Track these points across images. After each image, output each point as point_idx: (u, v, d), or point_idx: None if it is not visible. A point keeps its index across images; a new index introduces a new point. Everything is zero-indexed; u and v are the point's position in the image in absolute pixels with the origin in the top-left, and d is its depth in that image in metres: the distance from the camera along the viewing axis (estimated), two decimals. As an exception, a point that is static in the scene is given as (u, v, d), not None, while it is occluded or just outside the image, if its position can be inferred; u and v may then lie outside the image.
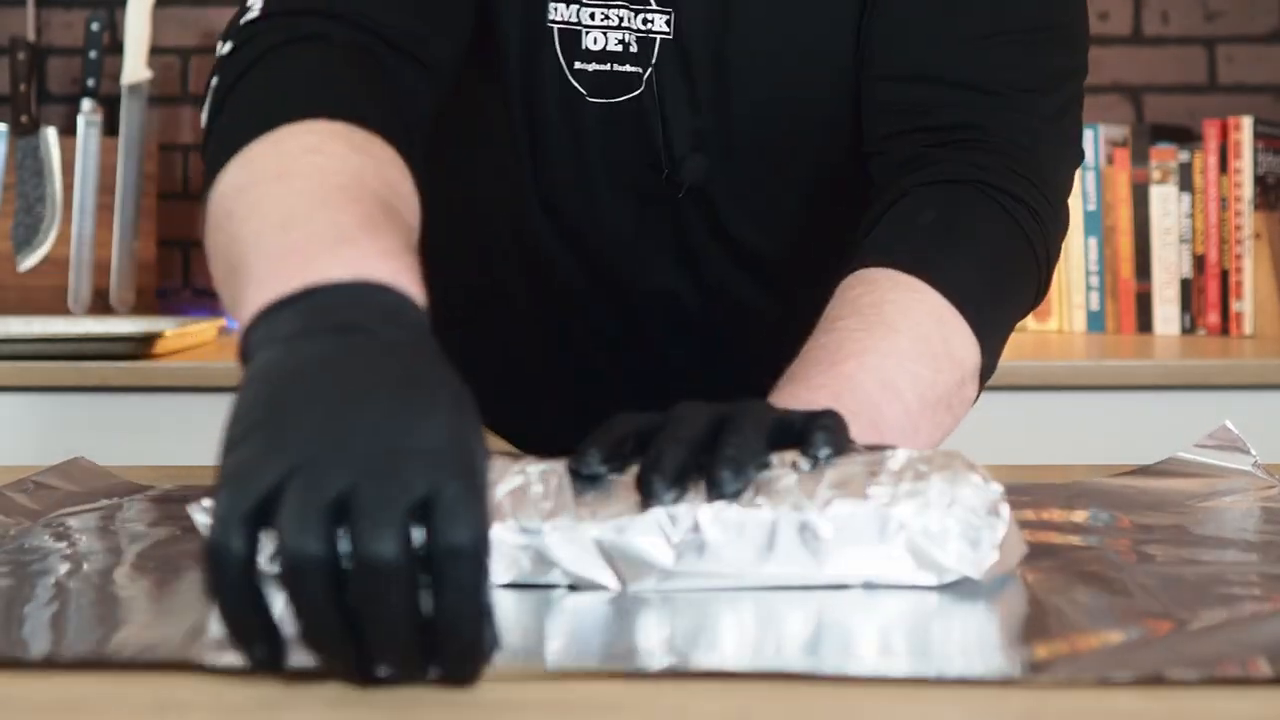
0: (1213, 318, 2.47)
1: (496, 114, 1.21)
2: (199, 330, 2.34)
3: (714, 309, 1.25)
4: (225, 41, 1.03)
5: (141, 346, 2.15)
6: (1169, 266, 2.50)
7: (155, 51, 2.63)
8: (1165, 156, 2.50)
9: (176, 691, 0.67)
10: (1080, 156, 1.19)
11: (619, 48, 1.17)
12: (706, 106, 1.18)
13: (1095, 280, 2.54)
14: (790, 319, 1.08)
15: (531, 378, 1.31)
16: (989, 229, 1.09)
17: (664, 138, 1.18)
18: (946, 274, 1.03)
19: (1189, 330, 2.49)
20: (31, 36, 2.67)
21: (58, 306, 2.59)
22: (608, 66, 1.17)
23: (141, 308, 2.61)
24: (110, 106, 2.62)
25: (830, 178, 1.21)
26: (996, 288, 1.07)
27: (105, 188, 2.61)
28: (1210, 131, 2.48)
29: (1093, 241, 2.54)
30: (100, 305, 2.59)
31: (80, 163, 2.60)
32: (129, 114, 2.60)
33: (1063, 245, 1.15)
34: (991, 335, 1.05)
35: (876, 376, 0.97)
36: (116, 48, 2.65)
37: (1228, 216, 2.47)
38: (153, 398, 2.13)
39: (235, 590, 0.65)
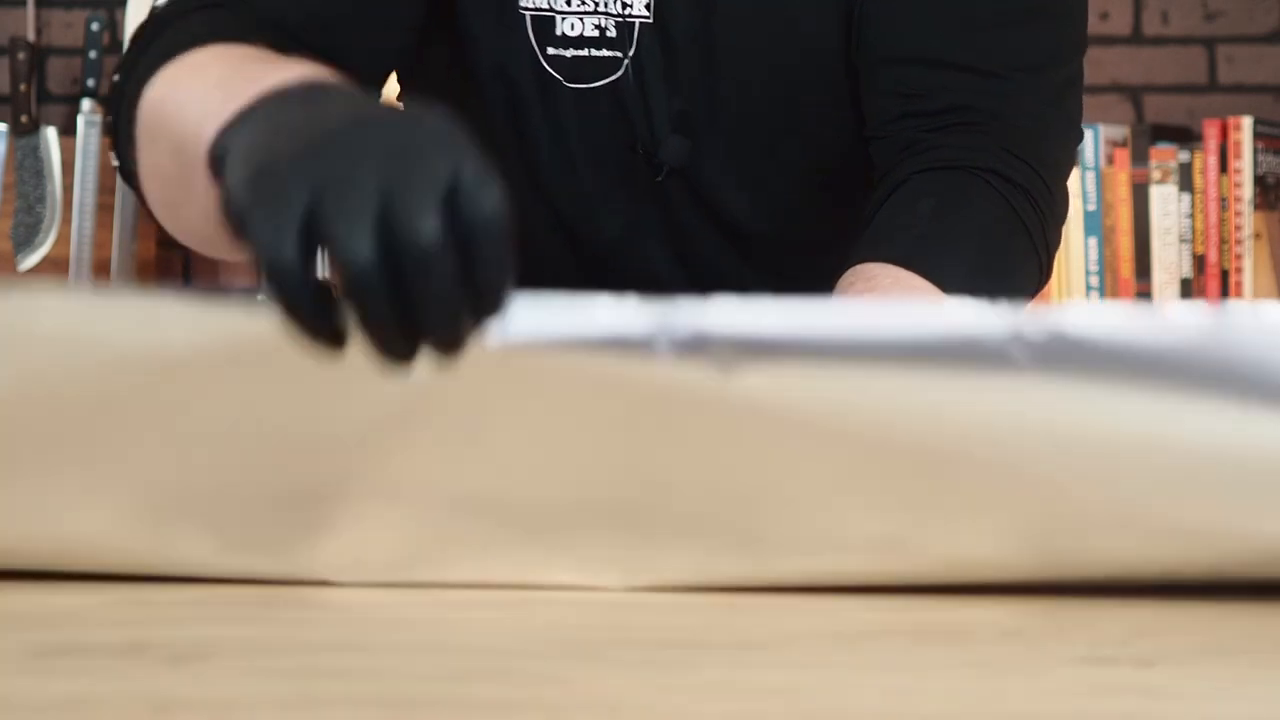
0: (1213, 318, 2.47)
1: (474, 104, 1.21)
2: (199, 330, 2.34)
3: (707, 291, 1.25)
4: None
5: (141, 346, 2.15)
6: (1169, 266, 2.50)
7: (155, 51, 2.63)
8: (1165, 156, 2.50)
9: (177, 691, 0.67)
10: (1080, 136, 1.20)
11: (595, 33, 1.17)
12: (689, 88, 1.18)
13: (1095, 280, 2.54)
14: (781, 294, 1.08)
15: None
16: (985, 217, 1.10)
17: (646, 121, 1.18)
18: (941, 270, 1.04)
19: (1189, 330, 2.49)
20: (31, 36, 2.67)
21: (58, 306, 2.59)
22: (585, 52, 1.18)
23: (141, 308, 2.61)
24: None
25: (819, 156, 1.22)
26: (993, 280, 1.08)
27: (105, 188, 2.61)
28: (1210, 131, 2.48)
29: (1093, 241, 2.54)
30: (100, 305, 2.59)
31: (80, 163, 2.60)
32: (129, 114, 2.60)
33: (1063, 231, 1.16)
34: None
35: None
36: (116, 48, 2.65)
37: (1228, 216, 2.47)
38: (153, 398, 2.13)
39: (307, 302, 0.69)
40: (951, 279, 1.04)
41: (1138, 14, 2.71)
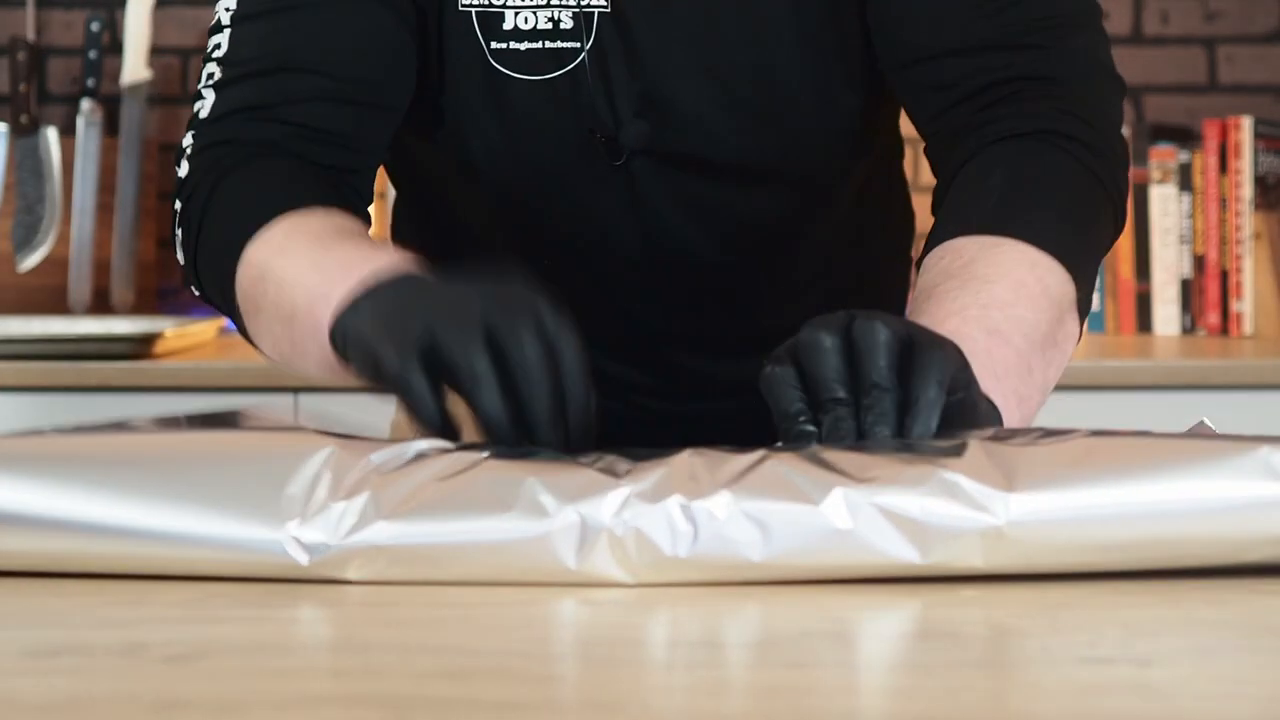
0: (1213, 318, 2.47)
1: (422, 109, 1.24)
2: (199, 330, 2.34)
3: (681, 275, 1.25)
4: (182, 157, 1.16)
5: (141, 346, 2.15)
6: (1169, 266, 2.50)
7: (155, 51, 2.63)
8: (1165, 156, 2.50)
9: (176, 691, 0.67)
10: (1123, 86, 1.21)
11: (549, 25, 1.18)
12: (651, 72, 1.19)
13: (1095, 280, 2.54)
14: (759, 278, 1.09)
15: None
16: (1055, 174, 1.12)
17: (607, 107, 1.19)
18: (1027, 226, 1.06)
19: (1189, 330, 2.49)
20: (31, 36, 2.67)
21: (58, 306, 2.59)
22: (539, 44, 1.19)
23: (141, 308, 2.61)
24: (110, 106, 2.62)
25: (788, 136, 1.22)
26: (1077, 226, 1.10)
27: (105, 188, 2.61)
28: (1210, 131, 2.48)
29: (1093, 241, 2.54)
30: (100, 305, 2.59)
31: (80, 163, 2.60)
32: (129, 114, 2.60)
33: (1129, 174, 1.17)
34: (1081, 270, 1.08)
35: (982, 326, 0.99)
36: (116, 48, 2.65)
37: (1228, 216, 2.47)
38: (153, 398, 2.13)
39: (429, 409, 0.87)
40: (1035, 234, 1.05)
41: (1138, 14, 2.71)
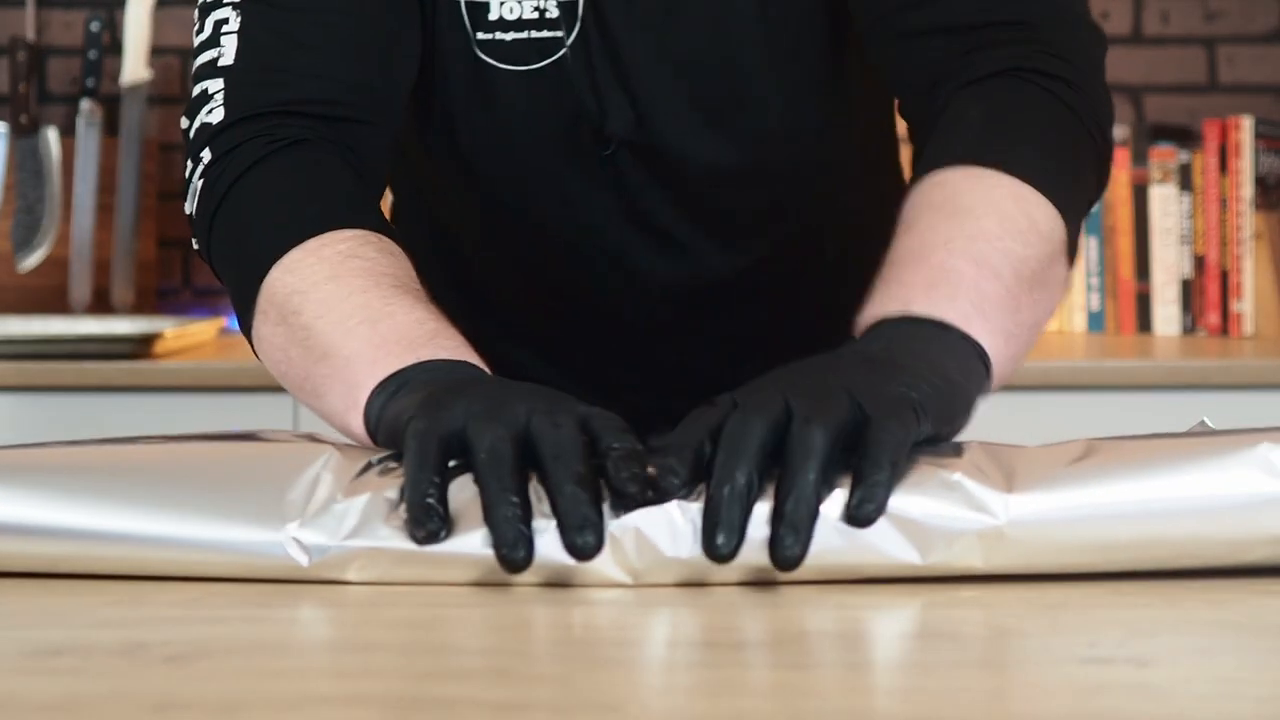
0: (1213, 318, 2.47)
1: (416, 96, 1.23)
2: (199, 330, 2.34)
3: (672, 267, 1.25)
4: (199, 149, 1.12)
5: (141, 346, 2.15)
6: (1169, 266, 2.50)
7: (155, 51, 2.63)
8: (1165, 156, 2.50)
9: (176, 691, 0.67)
10: (1102, 38, 1.16)
11: (535, 15, 1.18)
12: (637, 60, 1.19)
13: (1095, 280, 2.54)
14: (749, 271, 1.08)
15: (511, 342, 1.33)
16: (1035, 108, 1.07)
17: (593, 96, 1.19)
18: (1011, 157, 1.02)
19: (1189, 330, 2.49)
20: (31, 36, 2.67)
21: (58, 306, 2.59)
22: (525, 34, 1.18)
23: (141, 308, 2.61)
24: (110, 106, 2.62)
25: (775, 120, 1.22)
26: (1061, 162, 1.06)
27: (105, 188, 2.60)
28: (1210, 131, 2.48)
29: (1093, 241, 2.54)
30: (100, 305, 2.59)
31: (80, 163, 2.60)
32: (129, 114, 2.60)
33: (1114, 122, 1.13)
34: (1068, 208, 1.03)
35: (969, 258, 0.96)
36: (116, 48, 2.65)
37: (1228, 217, 2.47)
38: (153, 398, 2.13)
39: (424, 482, 0.82)
40: (1020, 166, 1.01)
41: (1138, 14, 2.71)
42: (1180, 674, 0.69)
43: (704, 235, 1.24)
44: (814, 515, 0.80)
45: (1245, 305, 2.45)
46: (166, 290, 2.68)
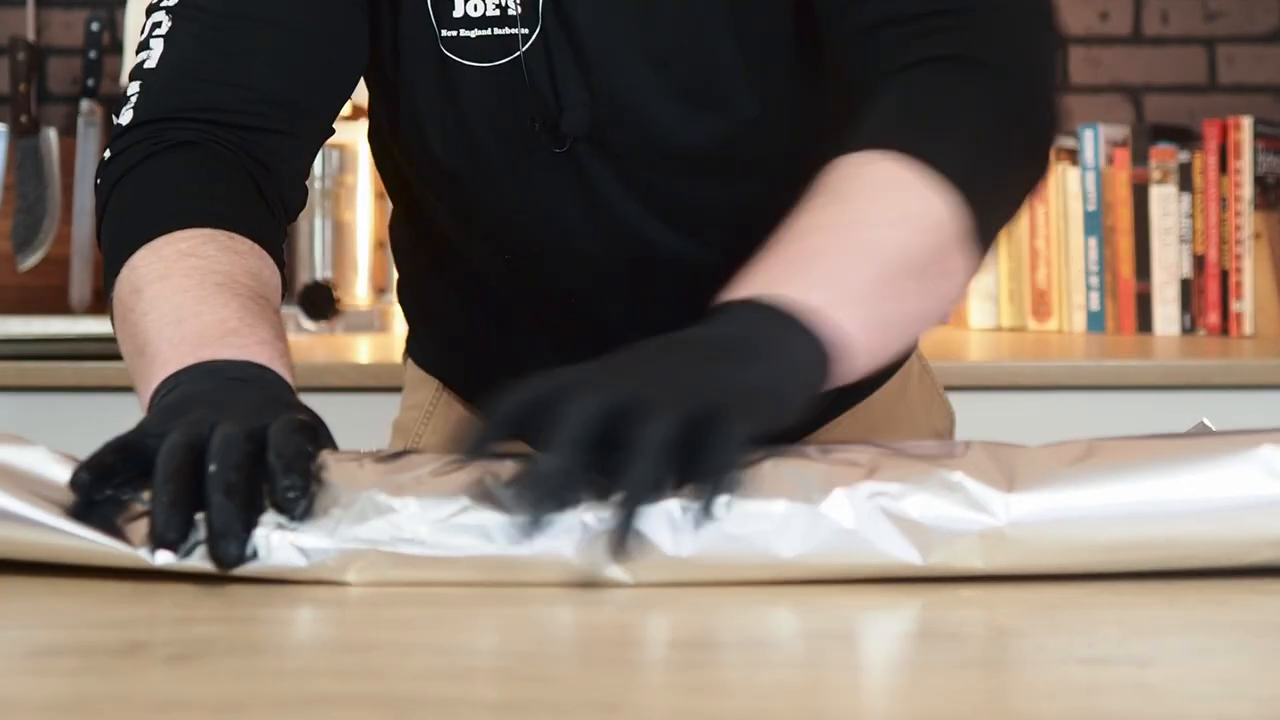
0: (1213, 318, 2.47)
1: (371, 80, 1.25)
2: (199, 330, 2.34)
3: (633, 258, 1.25)
4: (104, 149, 1.16)
5: (141, 346, 2.15)
6: (1169, 266, 2.50)
7: (155, 51, 2.63)
8: (1165, 156, 2.50)
9: (176, 691, 0.67)
10: (1056, 36, 1.13)
11: (497, 12, 1.19)
12: (596, 57, 1.19)
13: (1095, 280, 2.54)
14: (717, 266, 1.07)
15: (474, 330, 1.33)
16: (956, 96, 1.05)
17: (552, 93, 1.19)
18: (915, 144, 0.99)
19: (1189, 330, 2.49)
20: (31, 36, 2.67)
21: (58, 306, 2.59)
22: (488, 31, 1.19)
23: (141, 308, 2.61)
24: (110, 106, 2.62)
25: (735, 119, 1.22)
26: (973, 150, 1.03)
27: (105, 188, 2.61)
28: (1210, 131, 2.48)
29: (1093, 241, 2.54)
30: (100, 305, 2.59)
31: (80, 163, 2.60)
32: (129, 114, 2.60)
33: (1058, 134, 1.10)
34: (975, 197, 0.99)
35: (843, 243, 0.94)
36: (116, 48, 2.65)
37: (1228, 216, 2.47)
38: (153, 398, 2.13)
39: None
40: (920, 150, 0.99)
41: (1138, 14, 2.71)
42: (1180, 674, 0.69)
43: (666, 227, 1.24)
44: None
45: (1245, 305, 2.45)
46: (166, 290, 2.68)
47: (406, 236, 1.38)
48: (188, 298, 1.03)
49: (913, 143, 1.00)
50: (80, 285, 2.57)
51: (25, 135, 2.62)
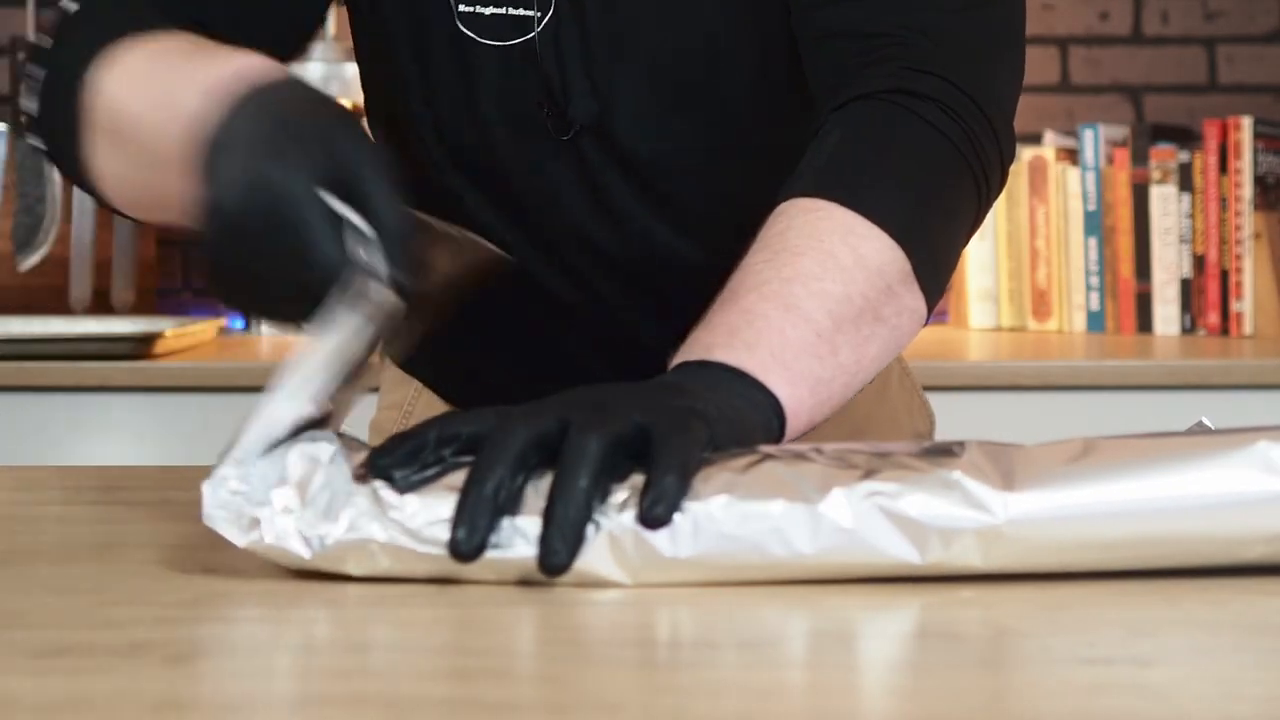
0: (1213, 318, 2.47)
1: (385, 59, 1.24)
2: (199, 330, 2.34)
3: (632, 249, 1.25)
4: (45, 37, 1.08)
5: (141, 346, 2.15)
6: (1169, 266, 2.50)
7: (155, 51, 2.63)
8: (1165, 156, 2.50)
9: (177, 691, 0.67)
10: (1019, 69, 1.13)
11: None
12: (604, 44, 1.19)
13: (1095, 280, 2.54)
14: (713, 260, 1.08)
15: (473, 323, 1.33)
16: (895, 136, 1.05)
17: (559, 78, 1.19)
18: (849, 191, 0.99)
19: (1189, 330, 2.49)
20: (31, 36, 2.67)
21: (58, 306, 2.59)
22: (503, 10, 1.19)
23: (141, 308, 2.61)
24: (110, 106, 2.62)
25: (738, 113, 1.22)
26: (914, 192, 1.02)
27: (105, 188, 2.60)
28: (1210, 131, 2.48)
29: (1093, 241, 2.54)
30: (100, 305, 2.59)
31: (80, 163, 2.60)
32: (129, 114, 2.60)
33: (1009, 163, 1.09)
34: (916, 239, 0.99)
35: (777, 303, 0.94)
36: (116, 48, 2.65)
37: (1228, 216, 2.47)
38: (153, 398, 2.13)
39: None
40: (857, 197, 0.99)
41: (1138, 14, 2.71)
42: (1180, 674, 0.69)
43: (662, 220, 1.24)
44: (584, 520, 0.79)
45: (1245, 305, 2.45)
46: (166, 290, 2.68)
47: None
48: (171, 69, 0.96)
49: (851, 190, 1.00)
50: (80, 285, 2.57)
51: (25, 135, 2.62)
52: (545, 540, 0.79)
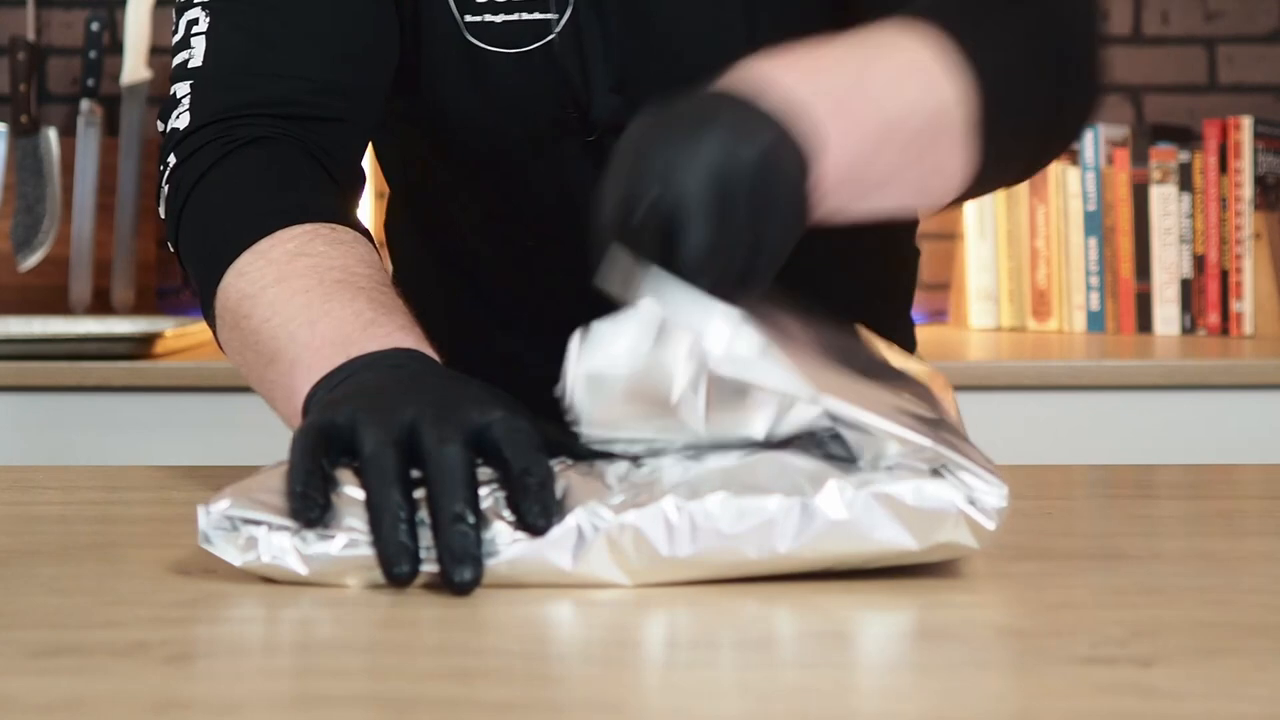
0: (1213, 318, 2.47)
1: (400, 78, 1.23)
2: (199, 330, 2.34)
3: None
4: (167, 153, 1.13)
5: (141, 346, 2.15)
6: (1169, 266, 2.50)
7: (155, 51, 2.63)
8: (1165, 156, 2.50)
9: (176, 691, 0.67)
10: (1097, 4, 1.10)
11: None
12: (626, 44, 1.18)
13: (1095, 280, 2.54)
14: None
15: (507, 329, 1.33)
16: (1006, 13, 1.02)
17: (581, 80, 1.19)
18: (952, 23, 0.96)
19: (1189, 330, 2.49)
20: (31, 36, 2.67)
21: (58, 306, 2.59)
22: (515, 16, 1.18)
23: (141, 308, 2.61)
24: (110, 106, 2.62)
25: None
26: (1010, 53, 0.99)
27: (105, 188, 2.61)
28: (1210, 131, 2.48)
29: (1093, 241, 2.54)
30: (100, 305, 2.59)
31: (80, 163, 2.60)
32: (129, 114, 2.60)
33: (1101, 79, 1.07)
34: (998, 99, 0.96)
35: (849, 67, 0.91)
36: (116, 48, 2.65)
37: (1228, 216, 2.47)
38: (153, 398, 2.13)
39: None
40: (976, 42, 0.95)
41: (1138, 14, 2.71)
42: (1180, 674, 0.69)
43: None
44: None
45: (1245, 305, 2.45)
46: (166, 290, 2.69)
47: (404, 228, 1.37)
48: (312, 297, 1.00)
49: (952, 24, 0.96)
50: (80, 285, 2.57)
51: (25, 135, 2.62)
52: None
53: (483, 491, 0.82)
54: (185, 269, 1.12)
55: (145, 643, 0.73)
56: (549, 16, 1.17)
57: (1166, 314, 2.50)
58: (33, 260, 2.58)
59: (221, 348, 1.08)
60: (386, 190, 1.40)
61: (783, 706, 0.65)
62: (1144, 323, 2.51)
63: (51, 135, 2.62)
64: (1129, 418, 2.13)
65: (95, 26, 2.64)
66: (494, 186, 1.25)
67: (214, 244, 1.07)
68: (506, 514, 0.81)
